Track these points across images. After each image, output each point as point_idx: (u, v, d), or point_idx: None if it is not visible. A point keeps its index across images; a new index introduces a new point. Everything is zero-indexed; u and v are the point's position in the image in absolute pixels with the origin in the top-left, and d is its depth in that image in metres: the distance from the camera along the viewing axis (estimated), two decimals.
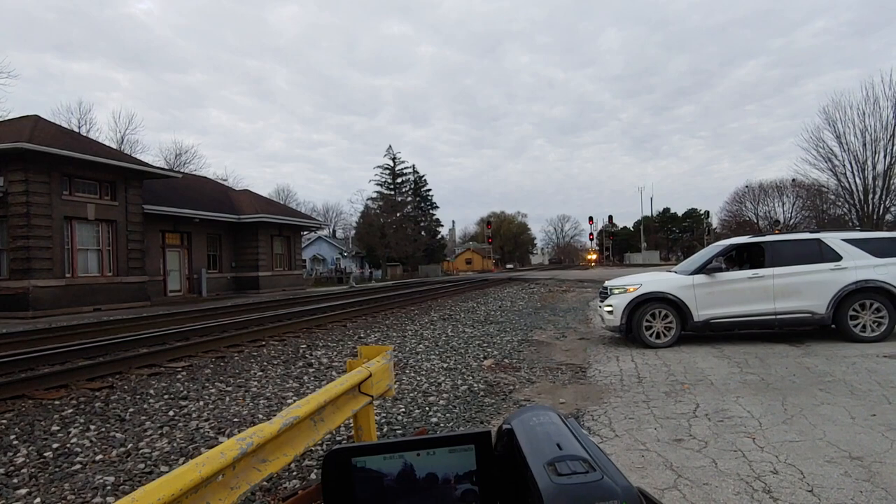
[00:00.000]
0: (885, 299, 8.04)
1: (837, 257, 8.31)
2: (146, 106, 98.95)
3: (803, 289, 8.27)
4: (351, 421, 4.65)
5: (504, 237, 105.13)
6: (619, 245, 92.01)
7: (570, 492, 0.50)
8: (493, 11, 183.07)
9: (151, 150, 74.18)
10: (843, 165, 45.36)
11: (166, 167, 47.32)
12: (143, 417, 5.69)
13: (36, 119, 20.55)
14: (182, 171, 48.10)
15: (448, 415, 5.50)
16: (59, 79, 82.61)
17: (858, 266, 8.20)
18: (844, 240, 8.44)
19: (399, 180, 69.51)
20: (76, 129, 46.37)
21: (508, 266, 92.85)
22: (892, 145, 42.72)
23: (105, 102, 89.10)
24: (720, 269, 8.68)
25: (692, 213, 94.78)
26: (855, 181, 45.56)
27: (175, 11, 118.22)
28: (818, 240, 8.52)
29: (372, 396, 4.30)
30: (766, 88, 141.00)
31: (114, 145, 48.17)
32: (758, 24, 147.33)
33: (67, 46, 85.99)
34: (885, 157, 43.29)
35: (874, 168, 44.18)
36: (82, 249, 20.44)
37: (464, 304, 17.85)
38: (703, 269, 8.71)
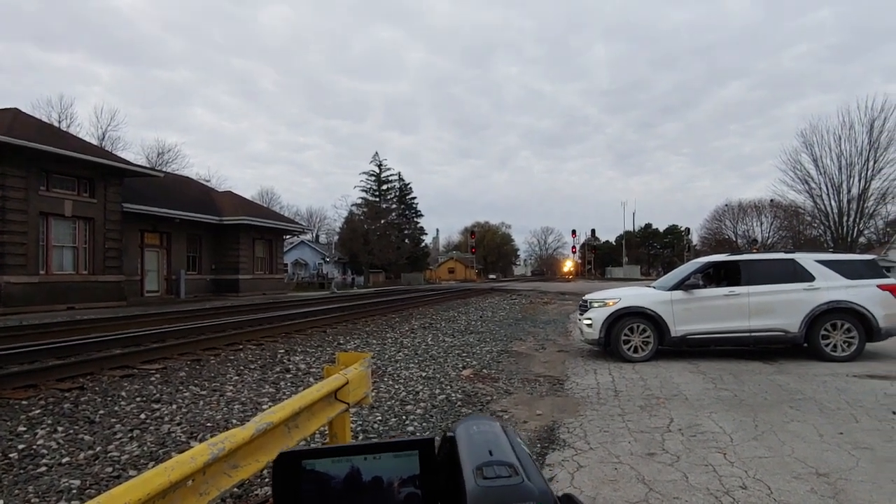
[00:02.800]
0: (856, 320, 8.23)
1: (811, 278, 8.50)
2: (129, 102, 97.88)
3: (777, 307, 8.44)
4: (326, 428, 4.63)
5: (487, 247, 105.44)
6: (601, 259, 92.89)
7: (490, 494, 0.53)
8: (484, 21, 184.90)
9: (133, 148, 73.38)
10: (820, 188, 46.57)
11: (148, 165, 46.73)
12: (114, 420, 5.58)
13: (15, 112, 20.16)
14: (164, 170, 47.53)
15: (424, 424, 5.49)
16: (39, 70, 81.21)
17: (831, 287, 8.39)
18: (818, 261, 8.64)
19: (384, 187, 69.47)
20: (56, 124, 45.61)
21: (491, 276, 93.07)
22: (867, 170, 43.95)
23: (86, 97, 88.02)
24: (697, 286, 8.81)
25: (673, 230, 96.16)
26: (830, 203, 46.76)
27: (162, 7, 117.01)
28: (793, 260, 8.71)
29: (348, 404, 4.28)
30: (749, 109, 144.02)
31: (95, 141, 47.47)
32: (744, 45, 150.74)
33: (48, 38, 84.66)
34: (859, 181, 44.53)
35: (849, 191, 45.41)
36: (58, 246, 20.04)
37: (445, 314, 17.85)
38: (680, 286, 8.84)
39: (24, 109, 21.74)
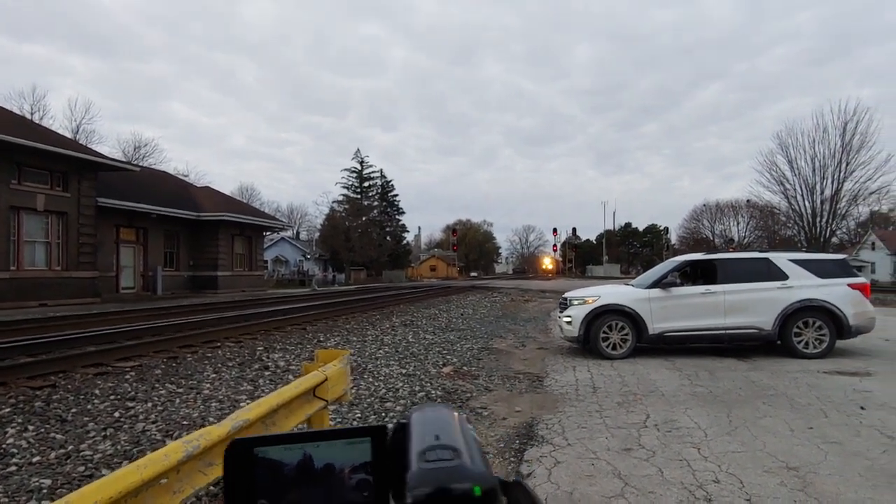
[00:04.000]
0: (827, 318, 8.43)
1: (784, 276, 8.69)
2: (105, 95, 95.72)
3: (751, 306, 8.60)
4: (305, 425, 4.60)
5: (469, 245, 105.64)
6: (581, 257, 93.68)
7: (429, 475, 0.54)
8: (468, 18, 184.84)
9: (109, 142, 71.77)
10: (794, 189, 47.61)
11: (124, 160, 45.84)
12: (87, 418, 5.48)
13: None
14: (141, 164, 46.68)
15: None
16: (11, 61, 78.99)
17: (803, 286, 8.59)
18: (791, 260, 8.83)
19: (366, 184, 69.15)
20: (28, 116, 44.49)
21: (473, 274, 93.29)
22: (839, 172, 45.03)
23: (60, 89, 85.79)
24: (674, 284, 8.95)
25: (652, 229, 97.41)
26: (804, 204, 47.83)
27: None
28: (767, 259, 8.89)
29: (327, 401, 4.26)
30: (728, 111, 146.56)
31: (69, 134, 46.40)
32: (724, 47, 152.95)
33: (22, 28, 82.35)
34: (832, 182, 45.64)
35: (822, 192, 46.50)
36: (29, 241, 19.53)
37: (426, 311, 17.84)
38: (658, 284, 8.96)
39: None
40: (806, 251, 9.35)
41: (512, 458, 4.40)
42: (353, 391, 6.78)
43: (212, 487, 4.00)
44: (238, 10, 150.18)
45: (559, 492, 3.67)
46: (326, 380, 4.23)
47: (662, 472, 3.96)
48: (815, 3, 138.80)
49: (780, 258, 8.85)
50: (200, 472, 2.82)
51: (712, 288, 8.79)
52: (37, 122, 43.76)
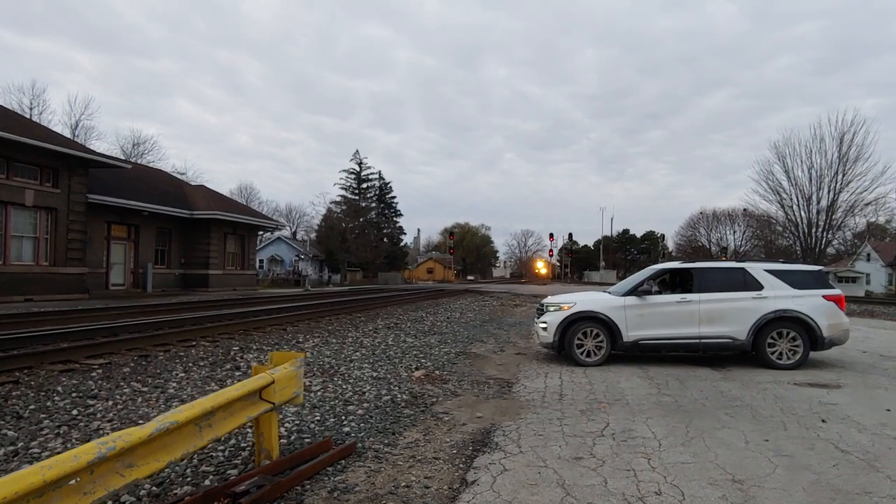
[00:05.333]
0: (801, 329, 8.40)
1: (759, 286, 8.66)
2: (107, 91, 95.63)
3: (726, 315, 8.58)
4: (253, 426, 4.57)
5: (467, 248, 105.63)
6: (579, 263, 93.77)
7: None
8: (473, 21, 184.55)
9: (108, 138, 71.65)
10: (791, 199, 47.66)
11: (122, 156, 45.84)
12: (43, 415, 5.45)
13: None
14: (139, 161, 46.67)
15: (363, 424, 5.45)
16: (15, 55, 79.02)
17: (778, 296, 8.56)
18: (767, 270, 8.81)
19: (364, 186, 69.20)
20: (27, 111, 44.51)
21: (469, 277, 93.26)
22: (836, 182, 45.10)
23: (63, 84, 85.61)
24: (649, 292, 8.92)
25: (650, 236, 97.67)
26: (801, 214, 47.86)
27: None
28: (743, 269, 8.86)
29: (273, 403, 4.23)
30: (732, 119, 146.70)
31: (68, 130, 46.44)
32: (728, 55, 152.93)
33: (26, 21, 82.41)
34: (828, 192, 45.69)
35: (818, 202, 46.54)
36: (17, 236, 19.46)
37: (413, 314, 17.80)
38: (634, 291, 8.93)
39: None
40: (782, 261, 9.30)
41: (461, 465, 4.36)
42: (320, 393, 6.75)
43: (154, 488, 3.98)
44: (242, 9, 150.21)
45: (499, 500, 3.64)
46: (273, 382, 4.19)
47: (607, 482, 3.93)
48: (820, 13, 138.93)
49: (756, 268, 8.83)
50: (118, 473, 2.78)
51: (687, 297, 8.76)
52: (36, 117, 43.81)
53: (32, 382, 6.59)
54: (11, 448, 4.60)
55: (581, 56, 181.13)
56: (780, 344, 8.42)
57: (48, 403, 5.85)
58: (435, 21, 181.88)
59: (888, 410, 6.02)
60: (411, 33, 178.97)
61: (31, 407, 5.70)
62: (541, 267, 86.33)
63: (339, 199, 66.84)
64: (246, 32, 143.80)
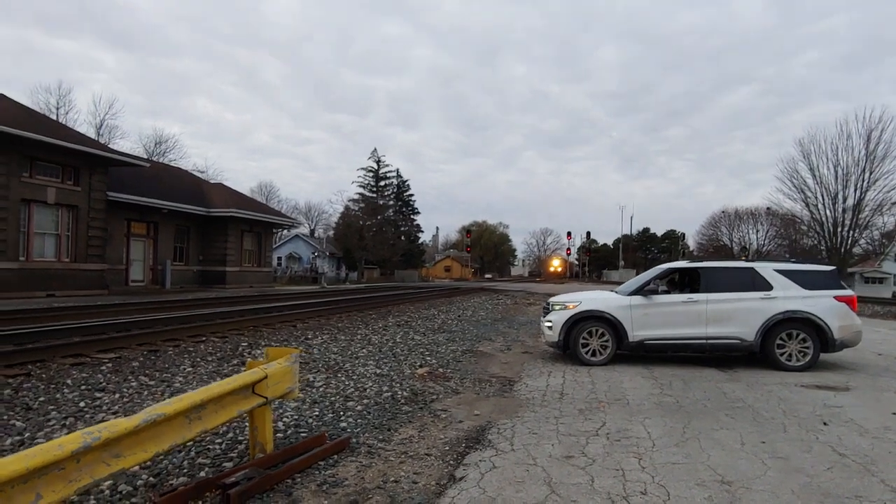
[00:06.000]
0: (811, 330, 8.25)
1: (768, 287, 8.52)
2: (131, 90, 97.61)
3: (734, 315, 8.46)
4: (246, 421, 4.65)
5: (484, 247, 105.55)
6: (598, 262, 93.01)
7: None
8: (492, 19, 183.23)
9: (131, 137, 73.21)
10: (816, 197, 46.53)
11: (145, 155, 46.73)
12: (51, 407, 5.61)
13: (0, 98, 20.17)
14: (162, 160, 47.58)
15: (360, 420, 5.51)
16: (42, 55, 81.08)
17: (788, 296, 8.42)
18: (776, 270, 8.66)
19: (382, 183, 69.54)
20: (54, 111, 45.61)
21: (487, 276, 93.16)
22: (863, 181, 43.96)
23: (88, 83, 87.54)
24: (655, 292, 8.84)
25: (671, 235, 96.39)
26: (826, 213, 46.73)
27: None
28: (752, 269, 8.73)
29: (266, 398, 4.30)
30: (756, 116, 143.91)
31: (92, 130, 47.46)
32: (753, 50, 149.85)
33: (52, 22, 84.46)
34: (855, 191, 44.55)
35: (845, 201, 45.41)
36: (39, 233, 20.02)
37: (425, 312, 17.88)
38: (640, 291, 8.86)
39: (23, 95, 21.77)
40: (792, 261, 9.14)
41: (451, 462, 4.40)
42: (321, 389, 6.84)
43: (151, 478, 4.08)
44: (262, 8, 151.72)
45: (483, 496, 3.67)
46: (266, 377, 4.27)
47: (594, 481, 3.92)
48: (849, 7, 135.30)
49: (766, 268, 8.69)
50: (104, 462, 2.87)
51: (694, 296, 8.66)
52: (62, 117, 44.86)
53: (44, 375, 6.78)
54: (18, 438, 4.75)
55: (601, 53, 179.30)
56: (789, 345, 8.28)
57: (57, 395, 6.02)
58: (454, 19, 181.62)
59: (894, 414, 5.89)
60: (430, 31, 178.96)
61: (41, 399, 5.87)
62: (556, 265, 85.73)
63: (356, 196, 67.33)
64: (266, 32, 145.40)
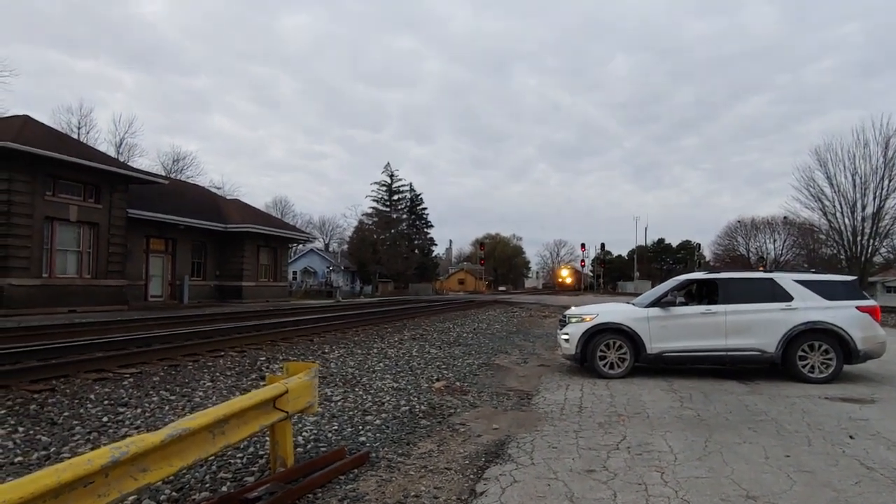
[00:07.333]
0: (834, 341, 8.12)
1: (789, 297, 8.41)
2: (148, 108, 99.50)
3: (754, 327, 8.35)
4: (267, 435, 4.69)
5: (498, 259, 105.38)
6: (612, 273, 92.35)
7: None
8: (503, 31, 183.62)
9: (150, 154, 74.12)
10: (834, 206, 45.84)
11: (163, 172, 47.58)
12: (75, 422, 5.70)
13: (25, 119, 20.71)
14: (179, 176, 48.37)
15: (378, 434, 5.52)
16: (63, 75, 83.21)
17: (809, 307, 8.30)
18: (796, 280, 8.55)
19: (395, 197, 69.99)
20: (76, 130, 46.67)
21: (501, 288, 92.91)
22: (882, 188, 43.25)
23: (107, 102, 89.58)
24: (673, 304, 8.77)
25: (686, 245, 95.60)
26: (844, 222, 46.00)
27: (183, 13, 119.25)
28: (771, 279, 8.63)
29: (287, 412, 4.34)
30: (770, 124, 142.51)
31: (112, 148, 48.45)
32: (766, 58, 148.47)
33: (72, 43, 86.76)
34: (874, 199, 43.83)
35: (864, 210, 44.69)
36: (62, 250, 20.46)
37: (440, 325, 17.87)
38: (658, 303, 8.79)
39: (45, 115, 22.36)
40: (813, 272, 9.02)
41: (472, 476, 4.38)
42: (340, 403, 6.86)
43: (174, 493, 4.12)
44: (275, 25, 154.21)
45: None
46: (287, 392, 4.31)
47: (616, 495, 3.89)
48: (862, 14, 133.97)
49: (785, 279, 8.58)
50: (132, 477, 2.92)
51: (713, 308, 8.58)
52: (83, 136, 45.88)
53: (67, 390, 6.89)
54: (44, 453, 4.83)
55: (612, 63, 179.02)
56: (811, 357, 8.15)
57: (81, 410, 6.12)
58: (464, 32, 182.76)
59: None
60: (441, 44, 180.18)
61: (66, 414, 5.97)
62: (565, 276, 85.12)
63: (370, 210, 67.84)
64: (279, 48, 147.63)
